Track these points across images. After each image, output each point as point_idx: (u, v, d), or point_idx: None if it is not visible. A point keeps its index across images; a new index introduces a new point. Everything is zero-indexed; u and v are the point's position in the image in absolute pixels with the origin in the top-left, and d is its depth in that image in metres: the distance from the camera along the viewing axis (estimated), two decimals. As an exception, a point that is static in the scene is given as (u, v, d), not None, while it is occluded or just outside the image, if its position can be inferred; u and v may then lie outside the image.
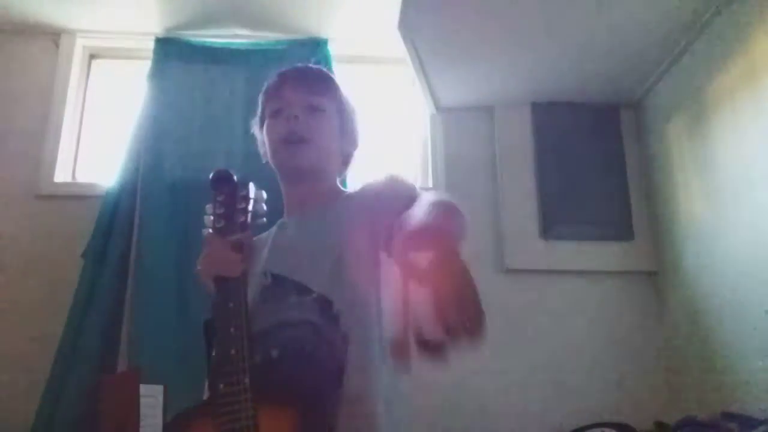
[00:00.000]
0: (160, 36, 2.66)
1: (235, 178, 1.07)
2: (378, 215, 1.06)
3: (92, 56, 2.80)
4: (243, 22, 2.65)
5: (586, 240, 2.53)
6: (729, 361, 2.04)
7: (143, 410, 1.55)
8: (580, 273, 2.52)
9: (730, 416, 1.89)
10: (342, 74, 2.59)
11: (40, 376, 2.13)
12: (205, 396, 1.05)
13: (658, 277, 2.53)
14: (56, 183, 2.52)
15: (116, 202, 2.37)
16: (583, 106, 2.65)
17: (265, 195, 1.08)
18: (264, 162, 1.29)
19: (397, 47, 2.36)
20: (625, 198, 2.57)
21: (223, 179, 1.06)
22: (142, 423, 1.53)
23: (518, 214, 2.56)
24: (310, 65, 1.35)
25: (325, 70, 1.35)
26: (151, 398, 1.60)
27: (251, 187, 1.09)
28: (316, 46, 2.64)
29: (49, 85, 2.61)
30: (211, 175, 1.07)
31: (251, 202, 1.06)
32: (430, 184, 2.68)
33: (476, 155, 2.68)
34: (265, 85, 1.31)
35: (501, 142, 2.66)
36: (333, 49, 2.66)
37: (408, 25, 2.22)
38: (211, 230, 1.05)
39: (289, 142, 1.18)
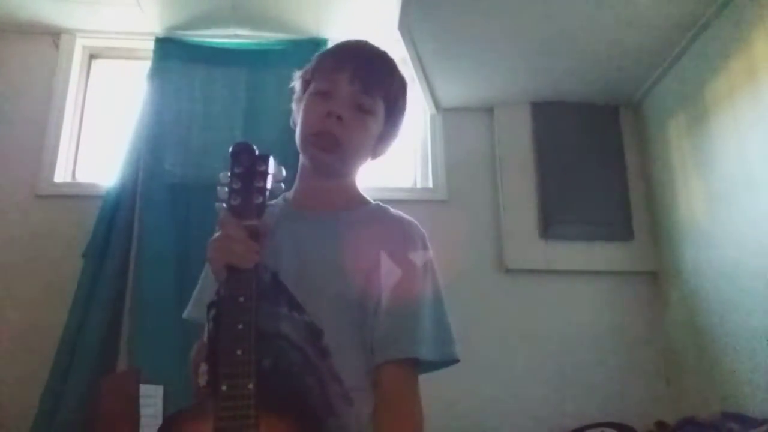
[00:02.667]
0: (160, 36, 2.67)
1: (256, 151, 0.99)
2: (380, 258, 1.03)
3: (92, 56, 2.81)
4: (243, 22, 2.65)
5: (586, 240, 2.54)
6: (729, 361, 2.04)
7: (143, 410, 1.55)
8: (580, 273, 2.52)
9: (730, 416, 1.89)
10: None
11: (40, 375, 2.13)
12: (202, 382, 1.01)
13: (658, 277, 2.53)
14: (56, 183, 2.52)
15: (116, 201, 2.37)
16: (583, 106, 2.65)
17: (284, 173, 1.00)
18: (291, 124, 1.20)
19: (397, 47, 2.36)
20: (625, 198, 2.58)
21: (244, 151, 0.98)
22: (142, 423, 1.53)
23: (518, 214, 2.56)
24: (378, 50, 1.17)
25: (391, 59, 1.18)
26: (151, 398, 1.60)
27: (271, 162, 1.00)
28: (316, 46, 2.63)
29: (49, 85, 2.61)
30: (232, 147, 0.98)
31: (269, 179, 0.98)
32: (430, 184, 2.68)
33: (476, 155, 2.68)
34: (323, 51, 1.19)
35: (501, 142, 2.66)
36: (333, 49, 2.67)
37: (408, 26, 2.22)
38: (225, 206, 0.97)
39: (322, 139, 1.08)
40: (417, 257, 1.07)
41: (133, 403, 1.54)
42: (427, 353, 1.01)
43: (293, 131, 1.17)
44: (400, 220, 1.12)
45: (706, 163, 2.21)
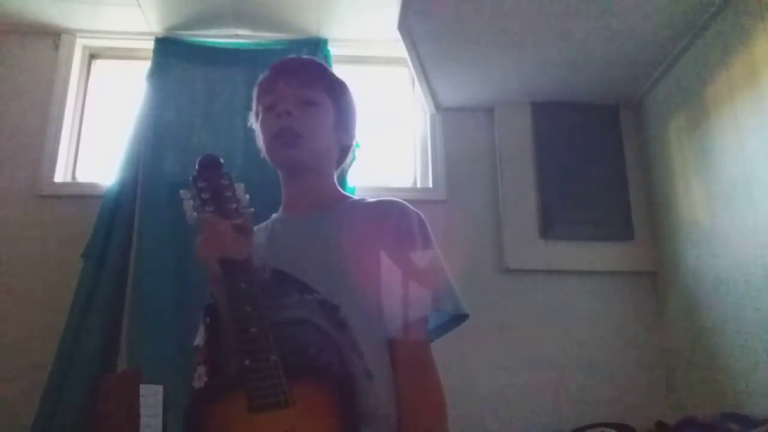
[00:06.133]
0: (160, 36, 2.67)
1: (222, 165, 1.01)
2: (378, 238, 1.07)
3: (92, 56, 2.81)
4: (243, 22, 2.65)
5: (586, 240, 2.54)
6: (729, 361, 2.04)
7: (143, 410, 1.55)
8: (580, 273, 2.52)
9: (730, 416, 1.89)
10: (342, 74, 2.60)
11: (40, 376, 2.13)
12: (198, 385, 1.02)
13: (658, 277, 2.53)
14: (56, 183, 2.52)
15: (116, 202, 2.37)
16: (583, 106, 2.65)
17: (243, 186, 1.02)
18: (262, 156, 1.26)
19: (397, 47, 2.36)
20: (625, 198, 2.57)
21: (211, 165, 1.00)
22: (142, 423, 1.53)
23: (518, 214, 2.56)
24: (303, 57, 1.31)
25: (318, 60, 1.30)
26: (151, 398, 1.60)
27: (230, 177, 1.03)
28: (316, 46, 2.64)
29: (49, 85, 2.61)
30: (199, 160, 1.00)
31: (235, 190, 1.00)
32: (430, 185, 2.68)
33: (476, 155, 2.68)
34: (259, 78, 1.28)
35: (501, 142, 2.66)
36: (333, 49, 2.67)
37: (408, 26, 2.22)
38: (196, 214, 0.98)
39: (281, 138, 1.14)
40: (410, 224, 1.12)
41: (133, 403, 1.54)
42: (445, 305, 1.05)
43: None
44: (386, 201, 1.18)
45: (706, 163, 2.21)
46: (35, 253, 2.37)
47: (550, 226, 2.51)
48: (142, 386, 1.57)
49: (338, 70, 2.67)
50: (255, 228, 1.19)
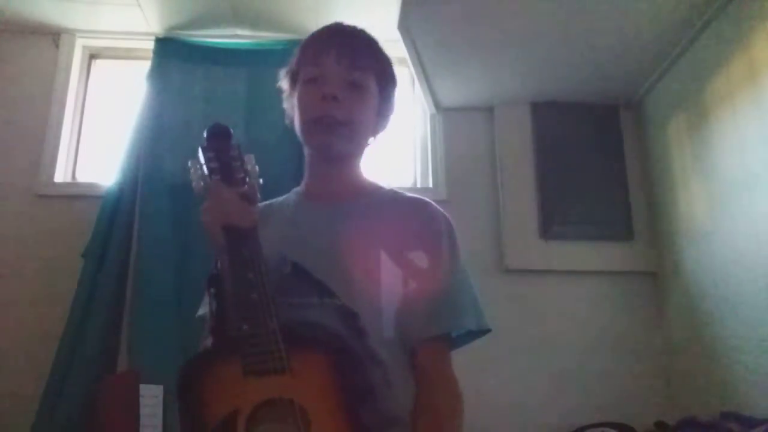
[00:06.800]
0: (160, 36, 2.67)
1: (232, 135, 0.97)
2: (403, 241, 1.03)
3: (92, 56, 2.81)
4: (243, 22, 2.65)
5: (586, 240, 2.54)
6: (729, 361, 2.04)
7: (143, 410, 1.55)
8: (580, 273, 2.52)
9: (730, 416, 1.89)
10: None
11: (40, 376, 2.13)
12: (207, 344, 0.99)
13: (658, 277, 2.53)
14: (56, 183, 2.52)
15: (116, 202, 2.37)
16: (583, 106, 2.65)
17: (253, 157, 0.97)
18: (287, 123, 1.18)
19: (397, 47, 2.36)
20: (625, 198, 2.58)
21: (221, 135, 0.96)
22: (142, 423, 1.53)
23: (518, 214, 2.56)
24: (356, 27, 1.18)
25: (370, 35, 1.17)
26: (151, 398, 1.60)
27: (240, 147, 0.99)
28: (316, 46, 2.63)
29: (49, 85, 2.61)
30: (208, 128, 0.96)
31: (244, 160, 0.96)
32: (430, 185, 2.68)
33: (476, 155, 2.68)
34: (306, 39, 1.17)
35: (501, 142, 2.66)
36: (333, 49, 2.66)
37: (408, 26, 2.22)
38: (203, 183, 0.95)
39: (324, 124, 1.06)
40: (439, 230, 1.08)
41: (133, 403, 1.54)
42: (469, 323, 1.03)
43: (293, 130, 1.17)
44: (415, 201, 1.12)
45: (706, 163, 2.21)
46: (35, 253, 2.37)
47: (550, 226, 2.51)
48: (142, 386, 1.57)
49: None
50: (273, 202, 1.15)
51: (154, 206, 2.37)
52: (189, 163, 0.97)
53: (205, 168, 0.96)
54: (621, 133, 2.67)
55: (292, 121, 1.16)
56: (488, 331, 1.07)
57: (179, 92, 2.59)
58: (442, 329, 1.02)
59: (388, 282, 1.01)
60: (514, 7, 2.13)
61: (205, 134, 0.96)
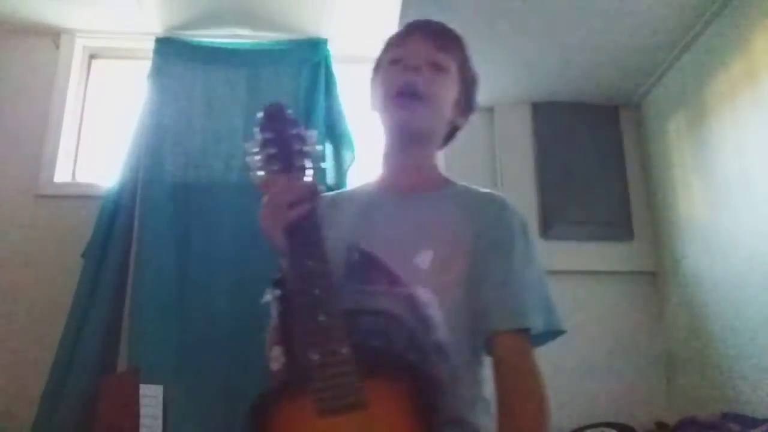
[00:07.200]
0: (160, 36, 2.66)
1: (289, 113, 0.89)
2: (477, 235, 1.00)
3: (92, 56, 2.80)
4: (243, 22, 2.64)
5: (586, 240, 2.54)
6: (729, 361, 2.04)
7: (143, 410, 1.55)
8: (580, 273, 2.52)
9: (730, 416, 1.89)
10: (342, 74, 2.60)
11: (40, 376, 2.13)
12: (275, 366, 0.91)
13: (658, 277, 2.53)
14: (56, 183, 2.51)
15: (116, 202, 2.37)
16: (583, 106, 2.65)
17: (315, 135, 0.91)
18: (371, 110, 1.18)
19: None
20: (625, 198, 2.58)
21: (278, 115, 0.88)
22: (142, 423, 1.53)
23: (518, 214, 2.56)
24: (444, 23, 1.19)
25: (456, 33, 1.19)
26: (151, 398, 1.60)
27: (302, 126, 0.91)
28: (316, 46, 2.63)
29: (49, 85, 2.61)
30: (264, 110, 0.89)
31: (306, 142, 0.89)
32: (430, 184, 2.67)
33: (476, 155, 2.67)
34: (391, 35, 1.18)
35: (501, 142, 2.66)
36: (333, 49, 2.66)
37: (408, 25, 2.22)
38: (262, 173, 0.86)
39: (404, 94, 1.05)
40: (512, 225, 1.05)
41: (133, 403, 1.54)
42: (536, 322, 1.00)
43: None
44: (491, 195, 1.11)
45: (706, 163, 2.21)
46: (35, 253, 2.37)
47: (550, 226, 2.51)
48: (142, 386, 1.57)
49: (339, 70, 2.68)
50: (343, 191, 1.14)
51: (154, 206, 2.37)
52: (246, 146, 0.90)
53: (261, 156, 0.87)
54: (621, 133, 2.67)
55: (374, 108, 1.16)
56: (561, 332, 1.05)
57: (179, 92, 2.58)
58: (507, 326, 0.98)
59: (458, 274, 0.99)
60: (514, 7, 2.13)
61: (260, 115, 0.90)
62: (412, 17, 2.16)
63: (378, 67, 1.16)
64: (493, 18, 2.17)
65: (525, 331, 1.00)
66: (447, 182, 1.15)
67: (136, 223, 2.36)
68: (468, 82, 1.17)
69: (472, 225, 1.03)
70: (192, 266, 2.29)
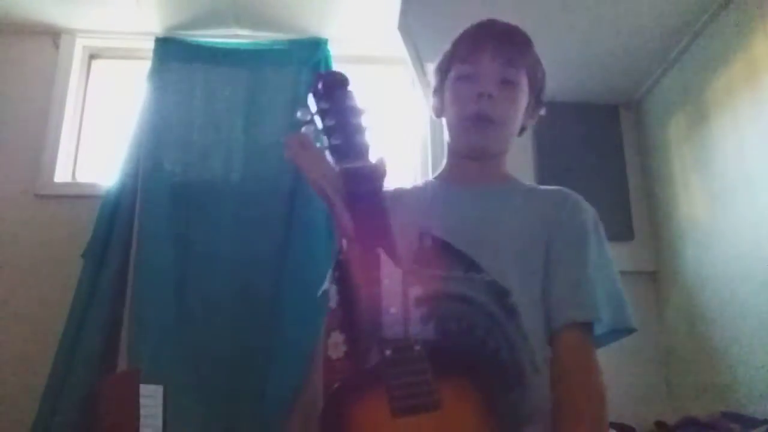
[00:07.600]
0: (160, 36, 2.66)
1: (349, 83, 0.84)
2: (550, 227, 1.01)
3: (92, 56, 2.80)
4: (243, 22, 2.65)
5: (585, 240, 2.53)
6: (729, 361, 2.04)
7: (143, 410, 1.55)
8: (580, 273, 2.51)
9: (730, 416, 1.89)
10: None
11: (40, 376, 2.13)
12: (335, 355, 0.88)
13: (658, 277, 2.53)
14: (56, 183, 2.52)
15: (116, 202, 2.37)
16: (583, 106, 2.65)
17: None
18: (435, 117, 1.21)
19: (397, 47, 2.36)
20: (625, 198, 2.58)
21: (339, 84, 0.82)
22: (142, 423, 1.53)
23: (518, 214, 2.56)
24: (509, 24, 1.19)
25: (524, 33, 1.20)
26: (151, 398, 1.60)
27: (358, 97, 0.86)
28: (316, 46, 2.63)
29: (49, 85, 2.61)
30: (323, 78, 0.83)
31: (365, 116, 0.84)
32: (430, 184, 2.67)
33: (476, 155, 2.67)
34: (459, 36, 1.18)
35: (501, 142, 2.66)
36: (333, 49, 2.66)
37: (408, 26, 2.22)
38: (325, 146, 0.81)
39: (477, 122, 1.08)
40: (585, 221, 1.07)
41: (133, 403, 1.54)
42: (604, 316, 0.99)
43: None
44: (562, 191, 1.13)
45: (706, 162, 2.21)
46: (35, 253, 2.37)
47: (550, 226, 2.51)
48: (142, 386, 1.57)
49: (339, 70, 2.65)
50: (404, 186, 1.15)
51: (154, 206, 2.37)
52: (299, 114, 0.86)
53: (320, 125, 0.81)
54: (621, 133, 2.67)
55: (438, 115, 1.20)
56: (632, 330, 1.05)
57: (179, 92, 2.58)
58: (574, 317, 0.97)
59: (536, 268, 0.99)
60: (514, 7, 2.12)
61: (319, 83, 0.84)
62: (412, 17, 2.17)
63: (444, 72, 1.17)
64: (491, 18, 2.17)
65: (589, 327, 1.00)
66: (510, 176, 1.18)
67: (136, 222, 2.36)
68: (537, 86, 1.18)
69: (547, 220, 1.04)
70: (192, 266, 2.29)
